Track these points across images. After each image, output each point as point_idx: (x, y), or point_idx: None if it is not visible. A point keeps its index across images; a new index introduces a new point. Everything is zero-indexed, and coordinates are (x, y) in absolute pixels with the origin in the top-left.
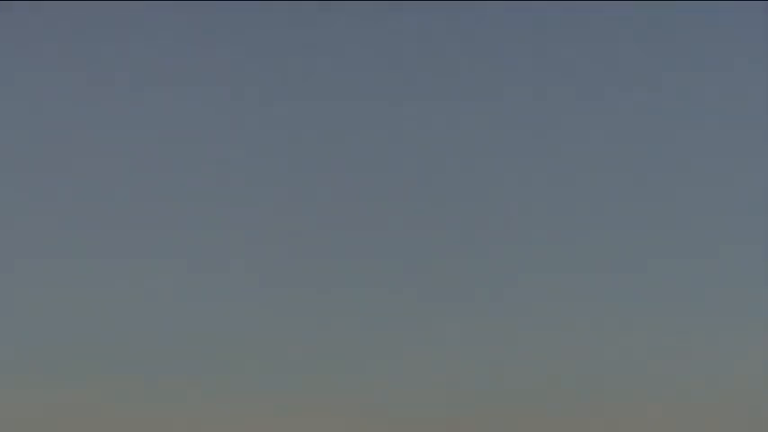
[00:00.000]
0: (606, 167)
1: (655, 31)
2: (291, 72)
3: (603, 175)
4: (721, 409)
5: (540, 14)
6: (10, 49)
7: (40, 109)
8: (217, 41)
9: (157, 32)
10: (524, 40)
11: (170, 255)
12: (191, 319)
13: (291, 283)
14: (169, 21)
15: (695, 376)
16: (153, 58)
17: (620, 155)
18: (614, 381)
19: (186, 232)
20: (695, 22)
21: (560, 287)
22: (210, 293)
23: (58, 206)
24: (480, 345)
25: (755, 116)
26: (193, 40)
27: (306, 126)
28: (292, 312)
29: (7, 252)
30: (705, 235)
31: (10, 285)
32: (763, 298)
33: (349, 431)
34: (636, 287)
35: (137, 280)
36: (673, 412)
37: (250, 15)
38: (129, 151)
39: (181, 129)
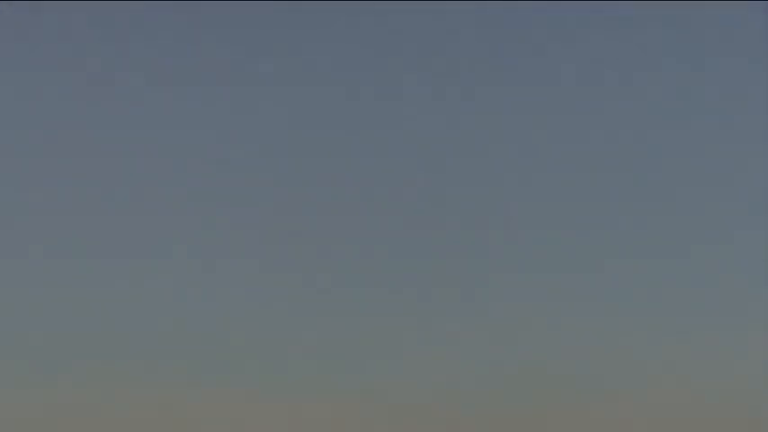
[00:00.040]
0: (606, 167)
1: (655, 31)
2: (292, 71)
3: (603, 175)
4: (721, 408)
5: (541, 15)
6: (10, 49)
7: (39, 108)
8: (217, 41)
9: (157, 32)
10: (525, 40)
11: (170, 255)
12: (191, 318)
13: (291, 283)
14: (169, 20)
15: (695, 375)
16: (153, 57)
17: (619, 155)
18: (614, 381)
19: (186, 232)
20: (695, 21)
21: (561, 287)
22: (210, 294)
23: (58, 206)
24: (480, 344)
25: (756, 116)
26: (194, 39)
27: (306, 126)
28: (292, 312)
29: (7, 251)
30: (705, 235)
31: (9, 285)
32: (763, 297)
33: (349, 430)
34: (636, 287)
35: (136, 280)
36: (672, 412)
37: (250, 15)
38: (129, 151)
39: (181, 128)
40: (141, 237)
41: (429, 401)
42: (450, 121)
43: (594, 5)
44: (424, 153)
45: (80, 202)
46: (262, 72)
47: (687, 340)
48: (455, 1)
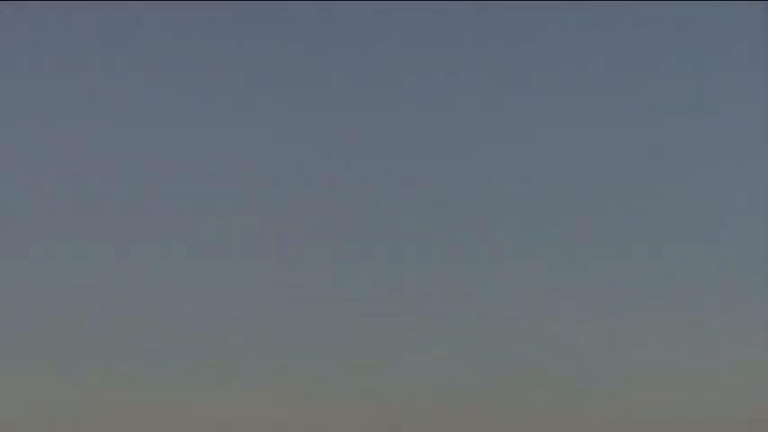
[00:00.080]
0: (606, 168)
1: (655, 31)
2: (293, 70)
3: (602, 175)
4: (721, 408)
5: (541, 14)
6: (10, 49)
7: (40, 107)
8: (217, 41)
9: (158, 32)
10: (525, 40)
11: (170, 255)
12: (191, 319)
13: (291, 283)
14: (169, 20)
15: (695, 375)
16: (154, 57)
17: (619, 155)
18: (614, 381)
19: (186, 232)
20: (695, 21)
21: (560, 287)
22: (210, 294)
23: (58, 206)
24: (480, 344)
25: (756, 116)
26: (194, 39)
27: (306, 126)
28: (292, 312)
29: (7, 251)
30: (705, 235)
31: (9, 285)
32: (763, 297)
33: (349, 430)
34: (636, 288)
35: (136, 279)
36: (672, 412)
37: (250, 15)
38: (129, 151)
39: (181, 129)
40: (141, 237)
41: (429, 401)
42: (451, 120)
43: (595, 5)
44: (424, 153)
45: (80, 201)
46: (262, 71)
47: (687, 340)
48: (456, 1)
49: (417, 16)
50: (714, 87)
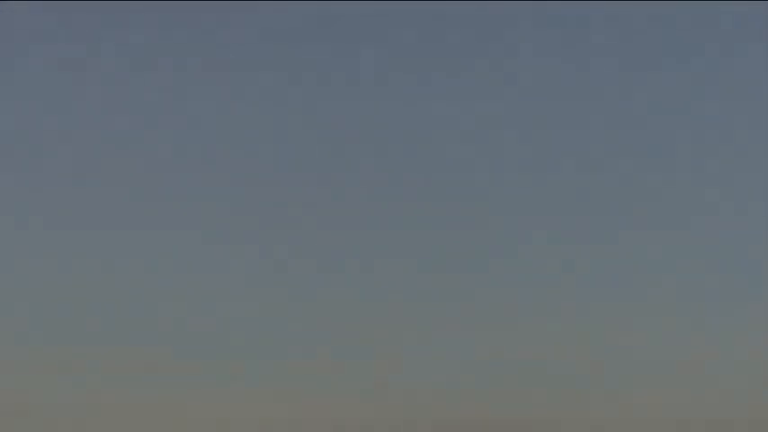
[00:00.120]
0: (605, 168)
1: (655, 31)
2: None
3: (602, 175)
4: (721, 407)
5: (542, 14)
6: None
7: (40, 107)
8: (218, 40)
9: (158, 31)
10: (525, 40)
11: (170, 255)
12: (191, 318)
13: (292, 284)
14: (170, 20)
15: (695, 375)
16: (155, 56)
17: (619, 155)
18: (614, 381)
19: (186, 232)
20: (695, 21)
21: (560, 287)
22: (210, 294)
23: (58, 206)
24: (479, 344)
25: (756, 116)
26: (195, 39)
27: (306, 126)
28: (292, 312)
29: (7, 251)
30: (705, 235)
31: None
32: (763, 297)
33: (349, 430)
34: (636, 287)
35: (136, 279)
36: (672, 411)
37: (250, 15)
38: (129, 151)
39: (181, 129)
40: (142, 237)
41: (429, 401)
42: (451, 120)
43: (594, 5)
44: (425, 153)
45: (80, 201)
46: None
47: (687, 340)
48: (457, 1)
49: (418, 15)
50: (714, 87)
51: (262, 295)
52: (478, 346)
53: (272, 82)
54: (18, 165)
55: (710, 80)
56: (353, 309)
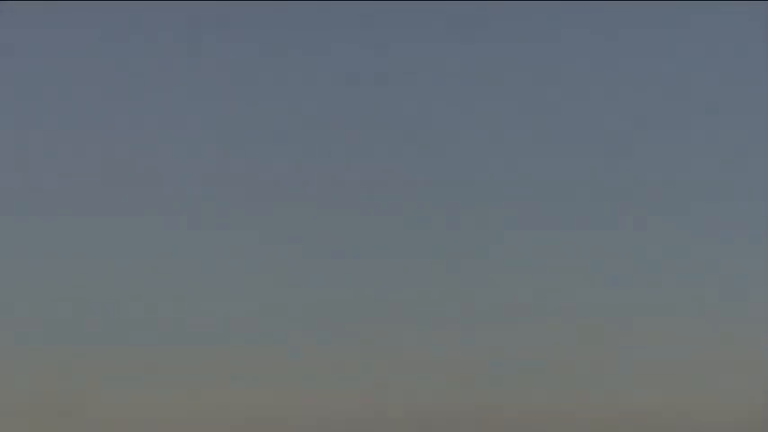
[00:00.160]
0: (605, 168)
1: (655, 31)
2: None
3: (602, 175)
4: (721, 407)
5: (541, 14)
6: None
7: (39, 107)
8: (217, 40)
9: (159, 32)
10: (525, 40)
11: (170, 255)
12: (191, 319)
13: (291, 284)
14: (170, 20)
15: (695, 375)
16: (157, 57)
17: (619, 155)
18: (614, 381)
19: (187, 232)
20: (695, 21)
21: (560, 287)
22: (210, 294)
23: (58, 206)
24: (479, 344)
25: (756, 116)
26: (196, 39)
27: (305, 126)
28: (292, 312)
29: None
30: (705, 235)
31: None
32: (763, 297)
33: (349, 430)
34: (636, 288)
35: (136, 279)
36: (672, 410)
37: (249, 15)
38: (129, 152)
39: (181, 129)
40: (142, 237)
41: (429, 401)
42: (451, 120)
43: (594, 5)
44: (425, 154)
45: (80, 202)
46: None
47: (687, 340)
48: (459, 0)
49: (417, 15)
50: (714, 87)
51: (262, 295)
52: (478, 345)
53: (271, 81)
54: (18, 165)
55: (711, 79)
56: (353, 308)
